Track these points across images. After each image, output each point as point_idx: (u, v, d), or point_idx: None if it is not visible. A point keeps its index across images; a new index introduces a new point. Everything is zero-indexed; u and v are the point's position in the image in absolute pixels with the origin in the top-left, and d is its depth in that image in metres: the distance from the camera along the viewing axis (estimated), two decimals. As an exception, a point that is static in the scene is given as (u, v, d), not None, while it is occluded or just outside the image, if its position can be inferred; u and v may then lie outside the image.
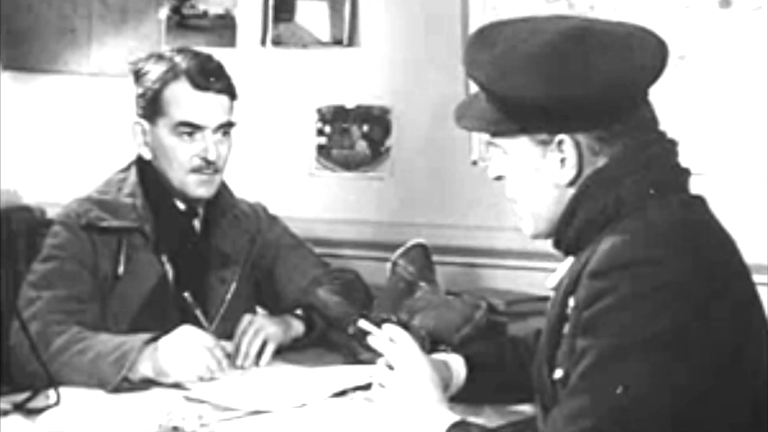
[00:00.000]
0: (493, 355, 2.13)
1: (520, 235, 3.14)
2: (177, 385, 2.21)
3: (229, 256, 2.59)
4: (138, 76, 2.52)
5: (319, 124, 3.50)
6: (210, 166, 2.48)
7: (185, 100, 2.46)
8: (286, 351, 2.45)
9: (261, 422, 1.99)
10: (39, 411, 2.00)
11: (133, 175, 2.53)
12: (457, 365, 2.07)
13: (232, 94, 2.53)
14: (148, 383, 2.21)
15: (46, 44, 3.69)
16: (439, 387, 1.85)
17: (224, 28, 3.58)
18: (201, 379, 2.20)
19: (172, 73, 2.47)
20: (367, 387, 2.14)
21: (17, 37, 3.72)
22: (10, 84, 3.74)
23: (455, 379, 2.06)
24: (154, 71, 2.48)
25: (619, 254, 1.61)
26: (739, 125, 2.91)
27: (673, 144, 1.75)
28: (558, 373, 1.70)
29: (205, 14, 3.59)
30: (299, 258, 2.75)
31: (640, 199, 1.68)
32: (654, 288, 1.57)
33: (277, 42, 3.53)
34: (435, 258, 2.74)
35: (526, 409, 2.07)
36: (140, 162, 2.54)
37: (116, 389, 2.17)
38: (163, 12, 3.61)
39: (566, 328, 1.69)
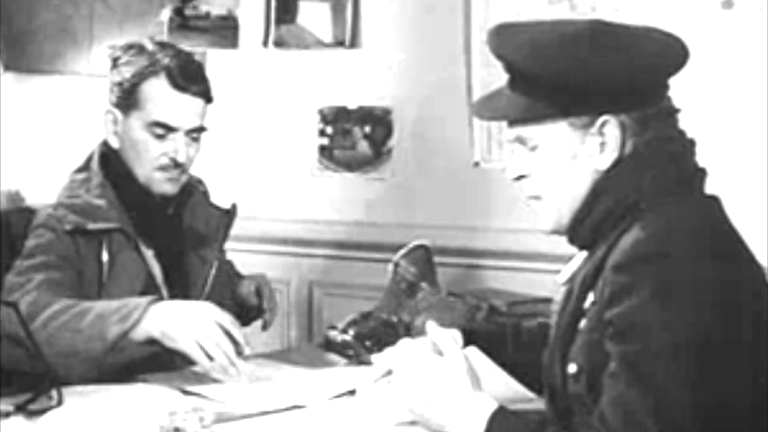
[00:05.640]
0: (493, 334, 2.12)
1: (522, 236, 3.15)
2: (175, 374, 2.22)
3: (202, 234, 2.54)
4: (116, 64, 2.45)
5: (321, 125, 3.50)
6: (178, 168, 2.43)
7: (162, 99, 2.40)
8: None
9: (261, 423, 1.99)
10: (40, 412, 1.99)
11: (96, 175, 2.46)
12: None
13: (208, 98, 2.47)
14: (149, 346, 2.16)
15: (47, 45, 3.70)
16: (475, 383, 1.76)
17: (226, 29, 3.59)
18: (206, 354, 2.13)
19: (153, 69, 2.40)
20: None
21: (18, 38, 3.73)
22: (11, 85, 3.75)
23: None
24: (134, 63, 2.42)
25: (642, 248, 1.60)
26: (741, 125, 2.92)
27: (692, 143, 1.75)
28: (572, 368, 1.69)
29: (207, 15, 3.60)
30: None
31: (660, 194, 1.68)
32: (678, 284, 1.57)
33: (279, 43, 3.54)
34: (437, 259, 2.74)
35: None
36: (103, 158, 2.49)
37: (117, 347, 2.13)
38: (165, 13, 3.61)
39: (583, 323, 1.69)
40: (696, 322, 1.56)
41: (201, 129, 2.46)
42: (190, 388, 2.15)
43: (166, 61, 2.41)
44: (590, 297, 1.68)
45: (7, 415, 1.99)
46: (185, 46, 3.57)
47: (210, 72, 3.62)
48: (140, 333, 2.15)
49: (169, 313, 2.17)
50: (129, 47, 2.46)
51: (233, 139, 3.62)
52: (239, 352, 2.16)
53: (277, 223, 3.57)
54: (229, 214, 2.61)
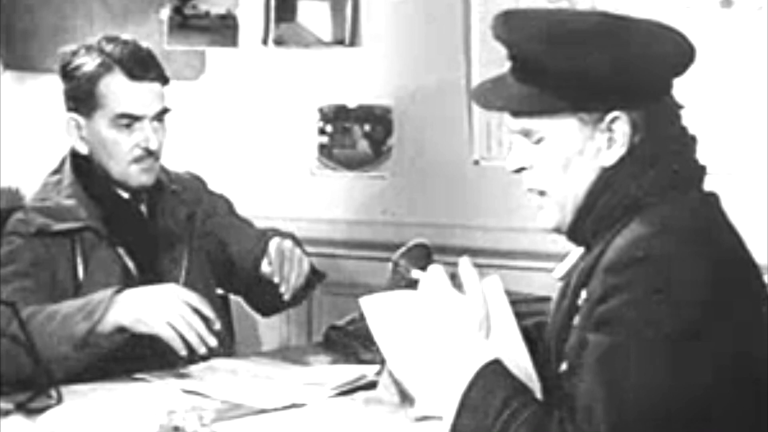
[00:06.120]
0: None
1: (522, 235, 3.15)
2: (175, 373, 2.22)
3: (174, 235, 2.54)
4: (67, 70, 2.47)
5: (321, 124, 3.50)
6: (151, 156, 2.45)
7: (123, 93, 2.41)
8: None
9: (261, 422, 1.99)
10: (40, 411, 2.00)
11: (68, 176, 2.47)
12: None
13: (165, 80, 2.48)
14: (119, 335, 2.17)
15: (46, 44, 3.69)
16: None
17: (226, 28, 3.58)
18: (175, 330, 2.15)
19: (106, 66, 2.42)
20: (368, 387, 2.14)
21: (18, 37, 3.72)
22: (11, 84, 3.75)
23: None
24: (86, 64, 2.43)
25: (635, 250, 1.59)
26: (740, 125, 2.91)
27: (693, 140, 1.74)
28: (563, 366, 1.68)
29: (206, 14, 3.60)
30: (242, 222, 2.74)
31: (660, 192, 1.67)
32: (668, 285, 1.56)
33: (278, 42, 3.53)
34: (436, 258, 2.73)
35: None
36: (74, 159, 2.49)
37: (87, 344, 2.14)
38: (165, 12, 3.61)
39: (576, 320, 1.68)
40: (678, 322, 1.55)
41: (164, 111, 2.47)
42: (189, 386, 2.15)
43: (116, 54, 2.42)
44: (583, 294, 1.67)
45: (7, 413, 1.99)
46: (185, 45, 3.59)
47: (210, 71, 3.64)
48: (109, 324, 2.17)
49: (137, 300, 2.19)
50: (75, 52, 2.47)
51: (233, 138, 3.62)
52: (210, 328, 2.18)
53: (277, 221, 3.55)
54: (194, 213, 2.60)
